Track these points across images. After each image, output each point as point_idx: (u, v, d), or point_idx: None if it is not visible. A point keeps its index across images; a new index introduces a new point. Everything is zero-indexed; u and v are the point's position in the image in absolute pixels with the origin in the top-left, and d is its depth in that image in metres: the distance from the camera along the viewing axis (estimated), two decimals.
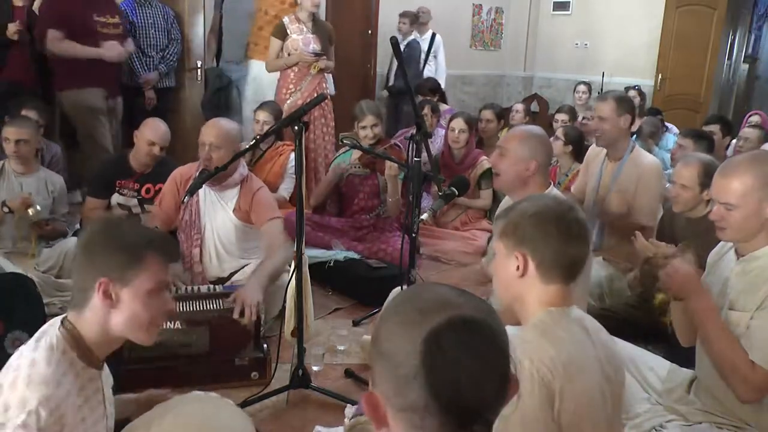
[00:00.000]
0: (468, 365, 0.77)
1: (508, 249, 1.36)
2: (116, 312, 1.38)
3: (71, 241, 3.00)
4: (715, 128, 4.34)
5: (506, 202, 2.42)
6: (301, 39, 4.27)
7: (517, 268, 1.34)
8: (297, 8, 4.33)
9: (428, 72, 6.30)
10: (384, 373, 0.81)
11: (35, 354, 1.31)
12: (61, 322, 1.39)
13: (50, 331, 1.37)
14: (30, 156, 3.12)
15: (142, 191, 3.29)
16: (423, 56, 6.31)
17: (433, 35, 6.37)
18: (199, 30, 4.80)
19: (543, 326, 1.30)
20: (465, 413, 0.77)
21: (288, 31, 4.28)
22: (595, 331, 1.36)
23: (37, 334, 1.38)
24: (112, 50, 4.00)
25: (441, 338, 0.77)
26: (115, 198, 3.28)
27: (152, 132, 3.21)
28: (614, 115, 2.97)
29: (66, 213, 3.26)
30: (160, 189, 3.22)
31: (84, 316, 1.38)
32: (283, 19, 4.33)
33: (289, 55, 4.28)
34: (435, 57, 6.41)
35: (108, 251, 1.37)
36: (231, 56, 4.91)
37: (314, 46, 4.27)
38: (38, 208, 2.90)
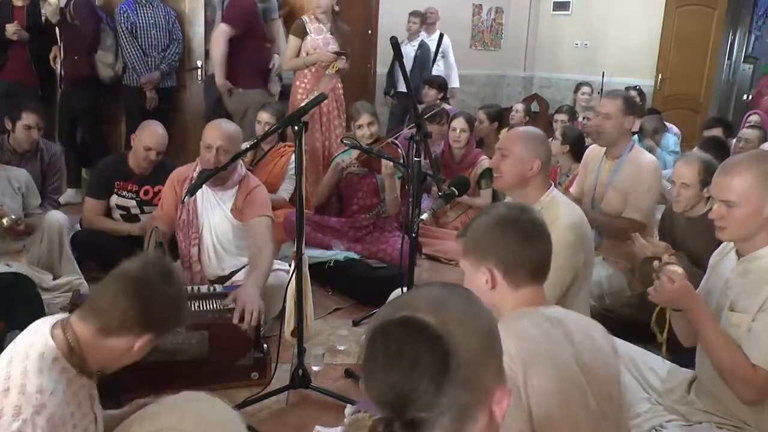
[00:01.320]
0: (383, 363, 0.80)
1: (473, 266, 1.39)
2: (130, 355, 1.44)
3: (48, 218, 2.94)
4: (717, 131, 4.33)
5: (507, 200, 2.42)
6: (321, 39, 4.26)
7: (486, 281, 1.36)
8: (315, 8, 4.30)
9: (437, 72, 6.28)
10: None
11: (26, 363, 1.31)
12: (60, 326, 1.39)
13: (39, 337, 1.37)
14: None
15: (141, 193, 3.29)
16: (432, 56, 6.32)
17: (441, 36, 6.35)
18: (199, 30, 4.78)
19: (508, 321, 1.30)
20: (382, 407, 0.79)
21: (308, 30, 4.27)
22: (579, 329, 1.34)
23: (25, 340, 1.38)
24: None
25: (378, 334, 0.83)
26: (114, 199, 3.29)
27: (149, 138, 3.19)
28: (620, 114, 2.94)
29: (39, 205, 3.14)
30: (159, 191, 3.22)
31: (103, 341, 1.39)
32: (303, 18, 4.31)
33: (307, 54, 4.27)
34: (444, 57, 6.40)
35: (171, 314, 1.46)
36: None
37: (333, 46, 4.27)
38: (13, 216, 2.80)
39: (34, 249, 2.94)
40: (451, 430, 0.80)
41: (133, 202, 3.28)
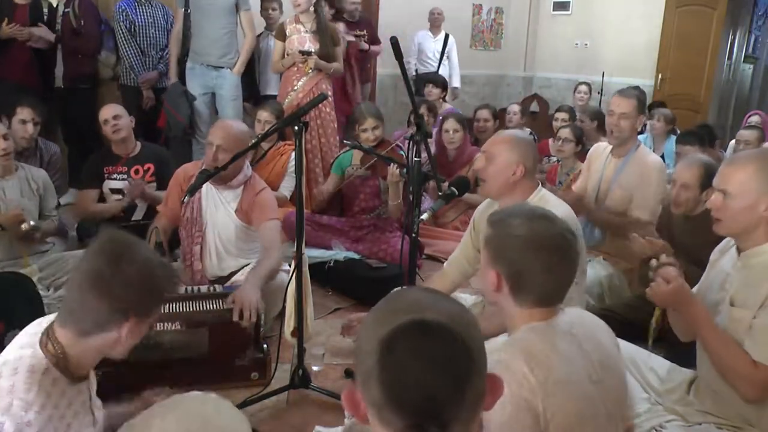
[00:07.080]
0: (415, 367, 0.78)
1: (486, 261, 1.33)
2: (122, 343, 1.37)
3: (73, 254, 2.90)
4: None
5: (488, 204, 2.37)
6: (297, 39, 4.27)
7: (492, 284, 1.31)
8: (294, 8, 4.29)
9: (442, 72, 6.28)
10: (357, 368, 0.85)
11: (14, 379, 1.26)
12: (47, 336, 1.34)
13: (28, 349, 1.33)
14: (10, 155, 2.83)
15: (132, 172, 3.43)
16: (437, 56, 6.32)
17: (447, 36, 6.36)
18: None
19: (523, 345, 1.25)
20: (415, 413, 0.78)
21: (287, 32, 4.30)
22: (586, 334, 1.33)
23: (16, 351, 1.33)
24: None
25: (395, 339, 0.80)
26: (108, 184, 3.42)
27: (102, 111, 3.41)
28: (635, 113, 3.01)
29: (55, 207, 3.09)
30: (149, 168, 3.46)
31: (87, 342, 1.33)
32: (285, 20, 4.35)
33: (287, 55, 4.29)
34: (448, 58, 6.41)
35: (141, 292, 1.34)
36: (208, 59, 4.38)
37: (309, 45, 4.25)
38: (32, 222, 2.73)
39: (50, 269, 2.85)
40: (466, 420, 0.81)
41: (126, 183, 3.41)
